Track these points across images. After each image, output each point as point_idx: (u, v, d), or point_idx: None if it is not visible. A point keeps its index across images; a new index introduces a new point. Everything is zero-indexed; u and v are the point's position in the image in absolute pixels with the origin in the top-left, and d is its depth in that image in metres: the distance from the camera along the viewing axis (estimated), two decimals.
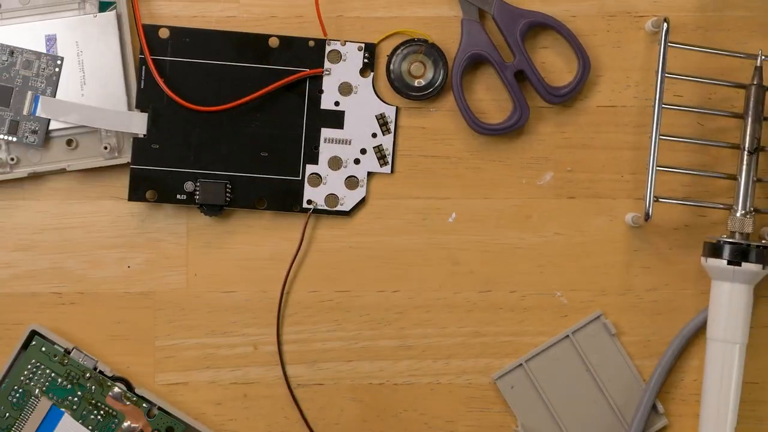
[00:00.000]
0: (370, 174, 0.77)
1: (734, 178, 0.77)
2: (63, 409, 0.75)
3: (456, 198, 0.80)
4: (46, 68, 0.75)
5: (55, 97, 0.75)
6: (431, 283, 0.80)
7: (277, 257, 0.78)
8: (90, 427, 0.75)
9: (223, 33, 0.75)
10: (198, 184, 0.76)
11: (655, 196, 0.76)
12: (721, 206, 0.78)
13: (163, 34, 0.76)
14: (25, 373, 0.75)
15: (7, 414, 0.74)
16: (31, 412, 0.75)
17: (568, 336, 0.80)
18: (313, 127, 0.78)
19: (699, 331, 0.80)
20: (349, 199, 0.76)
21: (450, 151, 0.79)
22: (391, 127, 0.78)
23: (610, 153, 0.80)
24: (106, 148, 0.75)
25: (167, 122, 0.76)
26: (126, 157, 0.76)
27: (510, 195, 0.80)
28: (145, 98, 0.76)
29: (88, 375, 0.75)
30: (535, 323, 0.79)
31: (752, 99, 0.75)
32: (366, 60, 0.78)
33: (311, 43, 0.77)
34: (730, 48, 0.79)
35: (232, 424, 0.78)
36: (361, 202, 0.77)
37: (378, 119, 0.78)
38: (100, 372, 0.76)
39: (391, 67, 0.78)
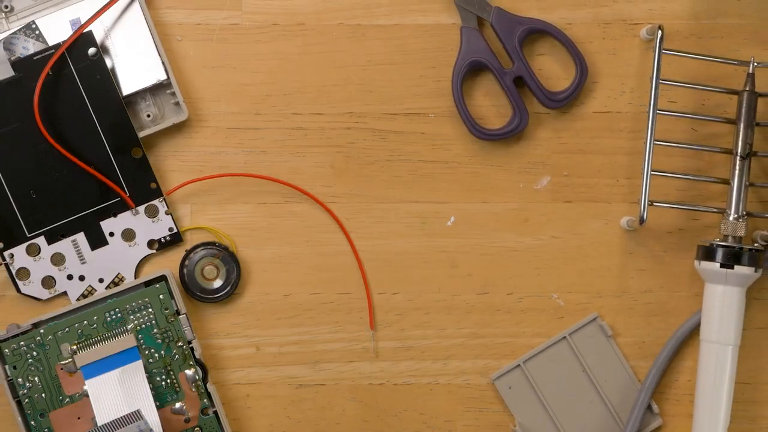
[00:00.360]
0: None
1: (727, 182, 0.78)
2: (140, 355, 0.76)
3: (454, 202, 0.80)
4: None
5: None
6: (430, 286, 0.80)
7: (283, 260, 0.79)
8: (151, 385, 0.76)
9: (119, 104, 0.75)
10: None
11: (649, 200, 0.76)
12: (715, 210, 0.78)
13: (91, 52, 0.76)
14: (133, 304, 0.76)
15: (95, 326, 0.75)
16: (115, 339, 0.76)
17: (565, 337, 0.80)
18: (81, 223, 0.76)
19: (693, 333, 0.80)
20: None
21: (448, 156, 0.80)
22: (117, 288, 0.76)
23: (605, 158, 0.80)
24: (148, 116, 0.76)
25: (16, 91, 0.75)
26: (166, 122, 0.77)
27: (507, 199, 0.80)
28: (26, 64, 0.75)
29: (180, 343, 0.76)
30: (532, 325, 0.79)
31: (744, 105, 0.76)
32: (165, 239, 0.77)
33: (153, 186, 0.77)
34: (723, 55, 0.79)
35: (235, 423, 0.78)
36: None
37: (115, 278, 0.77)
38: (191, 348, 0.76)
39: (186, 263, 0.77)
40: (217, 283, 0.77)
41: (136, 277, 0.77)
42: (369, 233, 0.80)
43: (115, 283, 0.76)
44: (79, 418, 0.76)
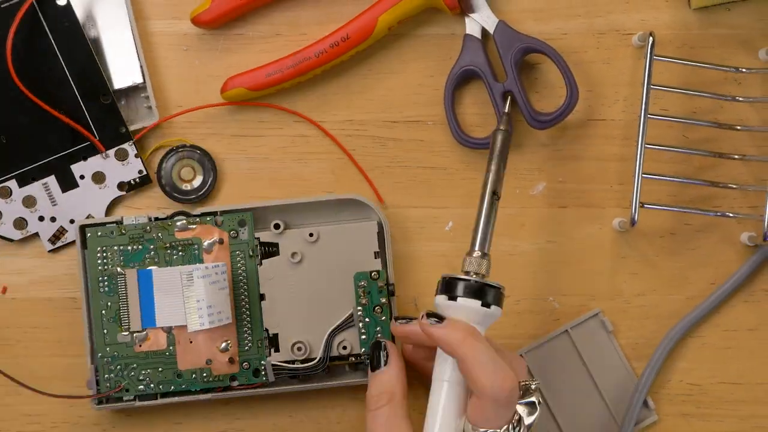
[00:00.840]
0: None
1: (717, 185, 0.79)
2: (148, 267, 0.77)
3: (452, 207, 0.81)
4: None
5: None
6: (430, 289, 0.79)
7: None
8: (179, 264, 0.77)
9: (89, 51, 0.76)
10: None
11: (640, 202, 0.77)
12: (704, 213, 0.79)
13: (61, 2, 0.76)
14: (98, 262, 0.76)
15: (109, 303, 0.76)
16: (125, 286, 0.77)
17: (566, 331, 0.80)
18: (52, 167, 0.77)
19: (685, 333, 0.81)
20: None
21: (446, 162, 0.81)
22: None
23: (599, 164, 0.81)
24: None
25: None
26: (139, 123, 0.78)
27: (504, 204, 0.80)
28: None
29: (148, 228, 0.77)
30: (529, 327, 0.80)
31: None
32: (134, 181, 0.78)
33: (122, 130, 0.77)
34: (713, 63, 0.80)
35: (239, 423, 0.79)
36: None
37: (85, 218, 0.78)
38: (156, 219, 0.77)
39: (162, 170, 0.79)
40: (196, 183, 0.79)
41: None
42: None
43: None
44: (191, 342, 0.76)
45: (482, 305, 0.68)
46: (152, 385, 0.75)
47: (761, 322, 0.80)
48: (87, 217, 0.77)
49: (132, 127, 0.78)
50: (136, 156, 0.77)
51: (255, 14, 0.80)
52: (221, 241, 0.75)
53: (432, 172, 0.80)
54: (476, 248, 0.71)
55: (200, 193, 0.78)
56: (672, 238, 0.80)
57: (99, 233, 0.75)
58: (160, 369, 0.75)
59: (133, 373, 0.75)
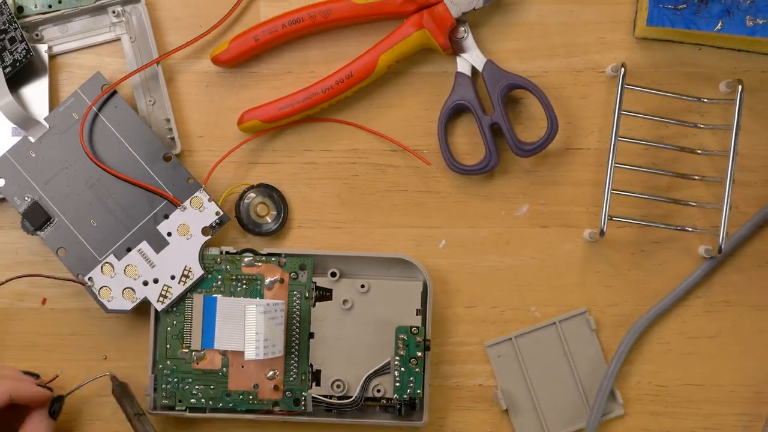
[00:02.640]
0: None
1: (679, 202, 0.83)
2: (214, 295, 0.80)
3: (445, 227, 0.84)
4: (18, 53, 0.80)
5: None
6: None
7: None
8: (242, 296, 0.80)
9: (140, 124, 0.80)
10: (30, 200, 0.79)
11: (609, 216, 0.81)
12: (669, 227, 0.82)
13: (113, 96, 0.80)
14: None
15: (174, 321, 0.80)
16: (192, 310, 0.80)
17: (555, 323, 0.84)
18: (141, 233, 0.80)
19: (644, 333, 0.84)
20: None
21: (440, 187, 0.84)
22: (187, 282, 0.79)
23: (576, 189, 0.84)
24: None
25: (55, 143, 0.80)
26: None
27: (491, 224, 0.84)
28: (55, 117, 0.80)
29: (219, 260, 0.80)
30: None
31: None
32: (215, 224, 0.80)
33: (190, 181, 0.80)
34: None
35: None
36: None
37: (184, 271, 0.79)
38: (227, 252, 0.81)
39: (241, 210, 0.82)
40: (270, 219, 0.83)
41: (201, 264, 0.79)
42: None
43: (185, 275, 0.79)
44: (243, 366, 0.80)
45: None
46: (203, 400, 0.80)
47: (720, 331, 0.84)
48: (185, 268, 0.79)
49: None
50: (210, 200, 0.80)
51: (268, 54, 0.84)
52: (282, 281, 0.80)
53: (427, 195, 0.84)
54: None
55: (276, 227, 0.83)
56: (642, 255, 0.84)
57: None
58: (212, 386, 0.80)
59: (187, 387, 0.80)
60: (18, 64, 0.81)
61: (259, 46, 0.82)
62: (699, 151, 0.84)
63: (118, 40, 0.83)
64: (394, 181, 0.85)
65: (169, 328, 0.80)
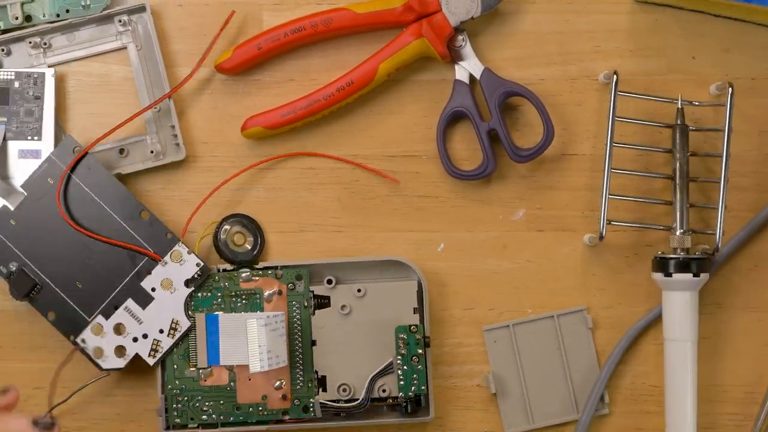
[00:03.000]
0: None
1: (670, 203, 0.83)
2: (215, 312, 0.82)
3: (444, 231, 0.86)
4: (28, 130, 0.82)
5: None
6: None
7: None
8: (242, 311, 0.82)
9: (115, 183, 0.80)
10: (16, 267, 0.80)
11: (607, 220, 0.82)
12: (662, 228, 0.84)
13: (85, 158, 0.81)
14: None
15: (179, 342, 0.81)
16: (194, 328, 0.82)
17: (553, 316, 0.85)
18: (126, 291, 0.80)
19: (640, 335, 0.85)
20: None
21: (438, 192, 0.86)
22: (176, 334, 0.81)
23: (572, 193, 0.86)
24: (152, 152, 0.83)
25: (34, 208, 0.80)
26: (168, 158, 0.83)
27: (489, 228, 0.86)
28: (33, 184, 0.80)
29: (216, 278, 0.82)
30: None
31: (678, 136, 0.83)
32: (197, 275, 0.81)
33: (168, 235, 0.81)
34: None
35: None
36: None
37: (171, 324, 0.81)
38: (224, 270, 0.82)
39: (219, 243, 0.83)
40: (248, 246, 0.84)
41: (188, 316, 0.81)
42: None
43: (173, 329, 0.81)
44: (250, 379, 0.81)
45: (693, 276, 0.80)
46: (214, 416, 0.81)
47: (712, 332, 0.86)
48: (172, 321, 0.80)
49: (162, 162, 0.83)
50: (189, 252, 0.81)
51: (270, 62, 0.86)
52: (280, 292, 0.81)
53: (426, 200, 0.86)
54: (679, 226, 0.82)
55: (254, 253, 0.84)
56: (636, 258, 0.86)
57: None
58: (221, 402, 0.81)
59: (197, 404, 0.81)
60: (22, 137, 0.82)
61: (261, 54, 0.84)
62: (692, 154, 0.85)
63: (125, 48, 0.85)
64: (394, 186, 0.86)
65: (175, 349, 0.82)
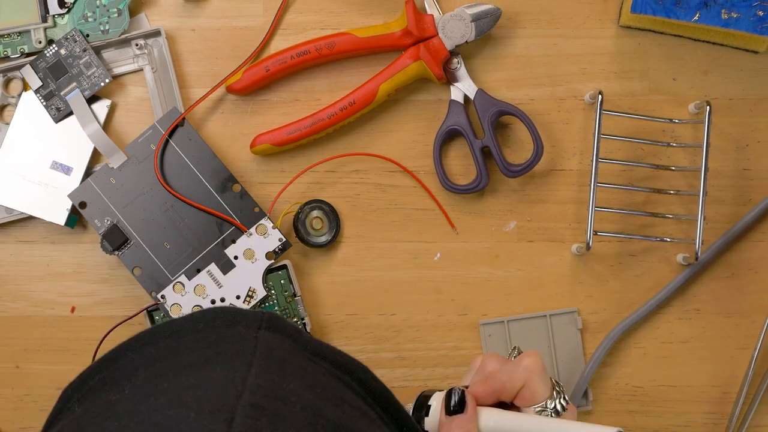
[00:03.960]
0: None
1: (656, 215, 0.86)
2: None
3: (440, 241, 0.88)
4: (96, 78, 0.87)
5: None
6: (420, 308, 0.88)
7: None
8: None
9: (212, 155, 0.84)
10: (110, 223, 0.84)
11: (594, 231, 0.85)
12: (646, 238, 0.86)
13: (181, 125, 0.85)
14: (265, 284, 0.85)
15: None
16: None
17: (545, 316, 0.87)
18: (210, 256, 0.84)
19: (623, 339, 0.87)
20: None
21: (434, 204, 0.88)
22: (251, 301, 0.83)
23: (560, 206, 0.88)
24: None
25: (134, 170, 0.84)
26: None
27: (482, 239, 0.88)
28: (133, 147, 0.84)
29: (296, 319, 0.84)
30: None
31: None
32: (278, 249, 0.84)
33: (256, 209, 0.84)
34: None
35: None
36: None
37: (248, 292, 0.84)
38: (304, 323, 0.84)
39: (298, 226, 0.86)
40: (324, 231, 0.87)
41: (265, 286, 0.84)
42: (372, 266, 0.88)
43: (249, 296, 0.83)
44: None
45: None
46: None
47: (692, 336, 0.88)
48: (249, 289, 0.83)
49: None
50: (273, 227, 0.84)
51: (277, 83, 0.89)
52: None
53: (423, 212, 0.88)
54: None
55: (329, 240, 0.87)
56: (620, 267, 0.88)
57: (282, 280, 0.85)
58: None
59: None
60: (96, 87, 0.87)
61: (269, 76, 0.87)
62: (673, 168, 0.88)
63: (141, 70, 0.89)
64: (393, 199, 0.89)
65: None
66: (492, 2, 0.88)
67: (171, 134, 0.85)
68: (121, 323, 0.85)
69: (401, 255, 0.89)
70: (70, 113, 0.86)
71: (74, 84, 0.87)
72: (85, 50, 0.87)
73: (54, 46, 0.87)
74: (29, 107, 0.87)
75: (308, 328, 0.86)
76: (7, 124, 0.88)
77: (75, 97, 0.86)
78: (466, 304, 0.89)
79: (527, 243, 0.89)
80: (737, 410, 0.88)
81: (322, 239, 0.87)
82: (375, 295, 0.89)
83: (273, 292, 0.86)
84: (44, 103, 0.87)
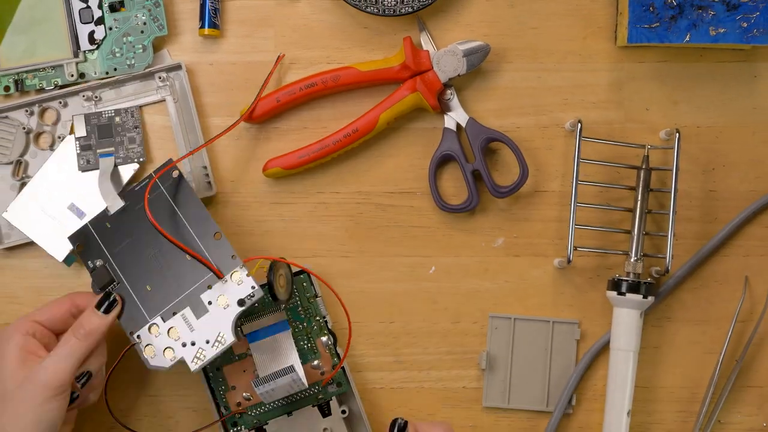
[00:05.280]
0: None
1: (629, 232, 0.89)
2: (289, 326, 0.87)
3: (435, 256, 0.91)
4: (133, 154, 0.91)
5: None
6: (417, 317, 0.92)
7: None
8: (297, 347, 0.87)
9: (199, 205, 0.83)
10: (97, 264, 0.84)
11: (574, 246, 0.88)
12: (621, 252, 0.89)
13: (174, 174, 0.84)
14: None
15: (258, 303, 0.83)
16: (271, 313, 0.87)
17: (549, 321, 0.90)
18: (188, 299, 0.82)
19: (603, 349, 0.91)
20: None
21: (430, 222, 0.91)
22: (219, 347, 0.82)
23: (543, 224, 0.91)
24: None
25: (128, 217, 0.85)
26: (201, 194, 0.88)
27: (473, 254, 0.91)
28: (131, 195, 0.85)
29: (318, 318, 0.87)
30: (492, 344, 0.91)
31: (642, 177, 0.89)
32: (249, 297, 0.82)
33: (233, 257, 0.82)
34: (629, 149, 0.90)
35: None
36: None
37: (218, 337, 0.82)
38: (325, 321, 0.87)
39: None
40: (289, 289, 0.86)
41: (234, 333, 0.81)
42: (373, 278, 0.91)
43: (218, 341, 0.82)
44: (244, 371, 0.88)
45: (642, 297, 0.85)
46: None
47: (664, 342, 0.92)
48: (219, 335, 0.82)
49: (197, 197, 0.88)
50: (248, 275, 0.82)
51: (288, 113, 0.93)
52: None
53: (419, 230, 0.91)
54: (633, 254, 0.87)
55: (287, 298, 0.86)
56: (599, 279, 0.91)
57: (304, 283, 0.87)
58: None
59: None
60: (128, 161, 0.92)
61: (280, 106, 0.91)
62: (649, 190, 0.90)
63: (163, 100, 0.93)
64: (392, 217, 0.92)
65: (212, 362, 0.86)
66: (482, 39, 0.92)
67: (164, 184, 0.85)
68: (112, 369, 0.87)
69: (399, 268, 0.92)
70: (95, 169, 0.91)
71: (112, 149, 0.92)
72: (136, 128, 0.92)
73: (113, 111, 0.92)
74: (68, 149, 0.93)
75: (329, 325, 0.88)
76: (43, 149, 0.94)
77: (107, 160, 0.91)
78: (458, 313, 0.92)
79: (514, 257, 0.92)
80: (704, 409, 0.92)
81: (283, 296, 0.86)
82: (376, 304, 0.92)
83: (296, 293, 0.89)
84: (78, 151, 0.92)
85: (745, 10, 0.89)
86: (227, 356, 0.89)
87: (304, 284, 0.89)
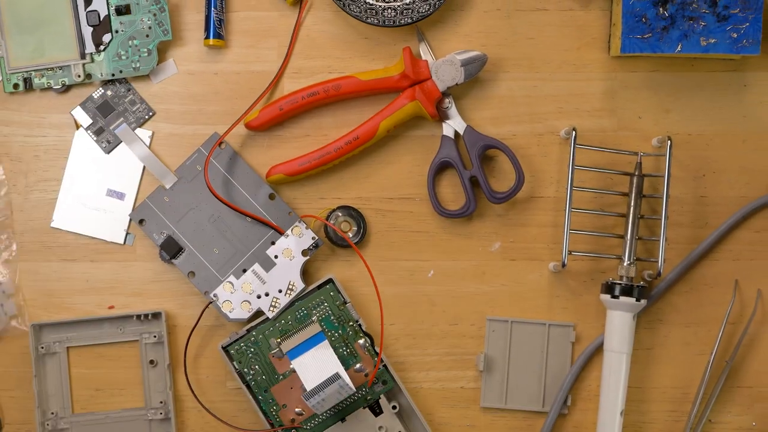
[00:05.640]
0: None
1: (622, 237, 0.90)
2: (325, 336, 0.88)
3: (433, 260, 0.93)
4: (140, 112, 0.93)
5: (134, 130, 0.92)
6: (416, 319, 0.93)
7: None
8: (337, 354, 0.89)
9: (249, 170, 0.90)
10: (165, 235, 0.90)
11: (569, 250, 0.90)
12: (614, 257, 0.90)
13: (223, 147, 0.91)
14: (314, 302, 0.90)
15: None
16: (305, 327, 0.89)
17: (545, 324, 0.92)
18: (254, 257, 0.89)
19: (597, 350, 0.92)
20: None
21: (428, 227, 0.93)
22: (291, 294, 0.88)
23: (539, 229, 0.93)
24: None
25: (184, 189, 0.91)
26: None
27: (471, 258, 0.93)
28: (185, 169, 0.91)
29: (351, 323, 0.89)
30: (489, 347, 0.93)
31: (635, 183, 0.90)
32: (311, 247, 0.89)
33: (290, 214, 0.90)
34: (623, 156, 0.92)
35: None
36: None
37: (289, 285, 0.89)
38: (359, 325, 0.89)
39: (329, 229, 0.91)
40: (352, 233, 0.91)
41: (302, 279, 0.89)
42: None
43: (290, 289, 0.89)
44: (291, 388, 0.90)
45: (635, 300, 0.86)
46: (251, 376, 0.88)
47: (656, 343, 0.93)
48: (289, 283, 0.89)
49: None
50: (307, 228, 0.90)
51: (290, 121, 0.94)
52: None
53: (418, 234, 0.93)
54: (626, 258, 0.88)
55: (358, 239, 0.91)
56: (593, 283, 0.93)
57: (332, 293, 0.90)
58: (265, 375, 0.89)
59: (252, 360, 0.89)
60: (141, 120, 0.94)
61: (283, 114, 0.93)
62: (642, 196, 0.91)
63: None
64: (392, 222, 0.93)
65: (282, 321, 0.90)
66: (479, 49, 0.94)
67: (214, 157, 0.91)
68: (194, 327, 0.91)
69: (399, 272, 0.94)
70: (119, 144, 0.94)
71: (121, 119, 0.94)
72: (129, 90, 0.94)
73: (100, 88, 0.94)
74: (82, 142, 0.95)
75: (364, 328, 0.90)
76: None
77: (123, 130, 0.93)
78: (456, 315, 0.94)
79: (510, 261, 0.94)
80: (695, 408, 0.93)
81: (351, 238, 0.90)
82: (376, 307, 0.93)
83: (326, 304, 0.91)
84: (95, 138, 0.95)
85: (735, 21, 0.91)
86: (273, 377, 0.91)
87: (332, 294, 0.91)
